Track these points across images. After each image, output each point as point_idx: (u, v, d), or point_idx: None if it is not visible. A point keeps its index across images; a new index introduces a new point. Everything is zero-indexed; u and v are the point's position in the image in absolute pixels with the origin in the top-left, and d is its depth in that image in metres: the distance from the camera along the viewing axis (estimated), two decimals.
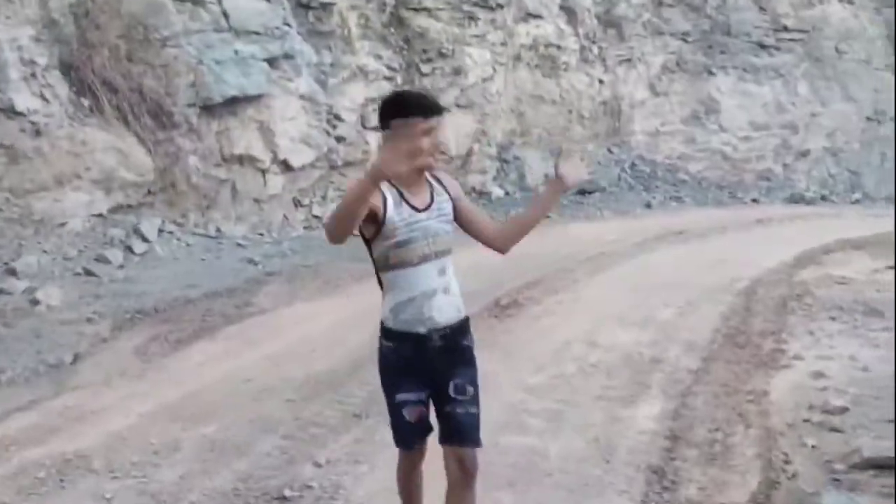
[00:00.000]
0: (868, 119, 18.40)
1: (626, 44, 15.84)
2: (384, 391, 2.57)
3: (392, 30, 12.57)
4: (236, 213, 9.96)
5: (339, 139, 11.22)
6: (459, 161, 13.07)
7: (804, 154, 17.37)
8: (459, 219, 2.56)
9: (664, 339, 5.59)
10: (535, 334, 5.78)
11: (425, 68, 12.71)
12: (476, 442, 2.51)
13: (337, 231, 2.27)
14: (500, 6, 13.79)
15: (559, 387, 4.64)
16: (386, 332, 2.52)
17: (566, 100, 14.70)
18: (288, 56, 10.69)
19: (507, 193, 12.92)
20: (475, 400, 2.52)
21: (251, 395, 4.55)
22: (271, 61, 10.31)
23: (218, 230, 9.45)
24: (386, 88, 12.08)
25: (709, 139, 16.35)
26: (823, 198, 15.99)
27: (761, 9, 17.28)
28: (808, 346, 5.12)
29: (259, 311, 6.53)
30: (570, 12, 15.00)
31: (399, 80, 12.30)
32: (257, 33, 10.21)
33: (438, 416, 2.55)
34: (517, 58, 14.15)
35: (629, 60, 15.89)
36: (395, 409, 2.54)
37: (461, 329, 2.55)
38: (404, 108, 2.40)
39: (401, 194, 2.43)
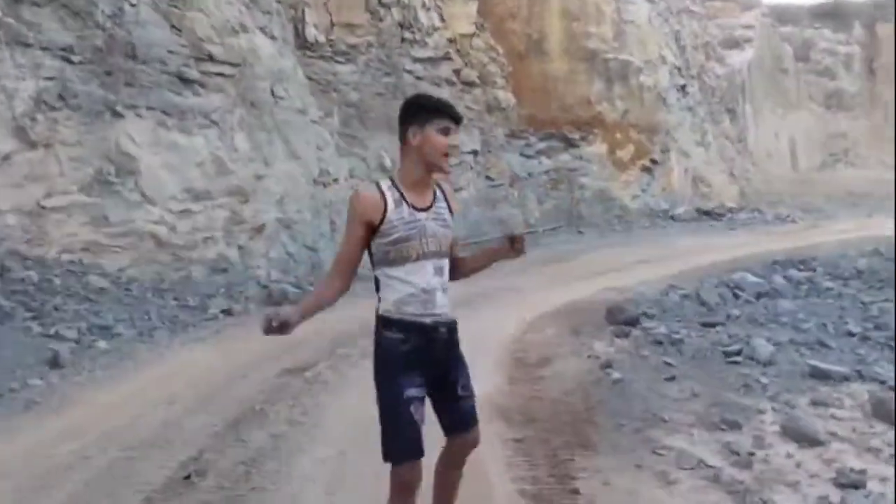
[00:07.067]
0: (315, 182, 14.80)
1: None
2: (384, 391, 2.51)
3: None
4: None
5: None
6: None
7: (258, 230, 12.60)
8: None
9: None
10: None
11: None
12: (477, 420, 2.72)
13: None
14: None
15: None
16: (389, 323, 2.53)
17: None
18: None
19: None
20: (473, 392, 2.71)
21: None
22: None
23: None
24: None
25: (130, 216, 10.21)
26: (298, 287, 11.38)
27: (174, 27, 12.01)
28: None
29: None
30: None
31: None
32: None
33: (443, 411, 2.64)
34: None
35: None
36: (402, 409, 2.46)
37: (456, 328, 2.67)
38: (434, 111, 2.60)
39: (402, 194, 2.55)
